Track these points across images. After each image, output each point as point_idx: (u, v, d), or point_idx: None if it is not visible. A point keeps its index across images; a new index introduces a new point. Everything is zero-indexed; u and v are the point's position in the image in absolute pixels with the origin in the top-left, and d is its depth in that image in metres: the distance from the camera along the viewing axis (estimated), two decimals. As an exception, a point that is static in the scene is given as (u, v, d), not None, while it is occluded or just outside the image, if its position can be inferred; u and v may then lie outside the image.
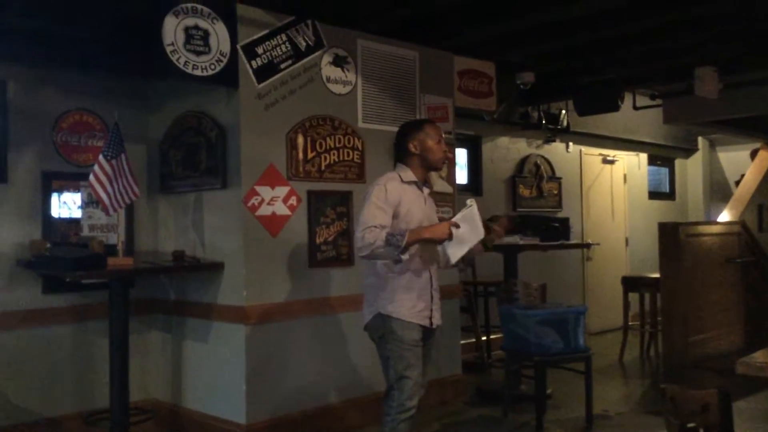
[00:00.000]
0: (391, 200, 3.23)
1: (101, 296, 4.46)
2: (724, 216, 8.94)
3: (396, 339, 3.25)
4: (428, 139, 3.38)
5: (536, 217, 6.96)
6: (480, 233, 3.23)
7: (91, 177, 4.03)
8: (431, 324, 3.37)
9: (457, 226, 3.18)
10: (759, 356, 2.70)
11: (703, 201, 10.61)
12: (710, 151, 10.96)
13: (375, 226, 3.12)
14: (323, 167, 4.71)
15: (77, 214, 4.61)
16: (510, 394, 5.19)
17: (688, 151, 10.58)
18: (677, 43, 5.83)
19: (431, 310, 3.37)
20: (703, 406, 1.89)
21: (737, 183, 9.94)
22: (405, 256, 3.14)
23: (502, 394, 5.22)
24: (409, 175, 3.39)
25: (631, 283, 7.20)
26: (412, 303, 3.29)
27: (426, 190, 3.48)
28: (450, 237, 3.17)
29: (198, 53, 4.08)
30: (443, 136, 3.52)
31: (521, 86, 6.66)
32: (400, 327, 3.26)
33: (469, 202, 3.25)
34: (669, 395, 1.78)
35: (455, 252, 3.30)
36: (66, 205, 4.65)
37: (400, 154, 3.47)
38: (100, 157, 4.06)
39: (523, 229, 5.68)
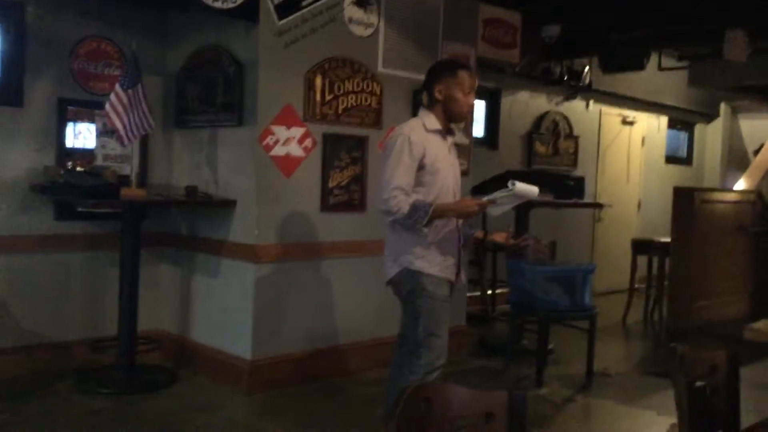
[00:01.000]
0: (416, 153, 3.04)
1: (113, 226, 4.49)
2: (740, 184, 8.85)
3: (427, 295, 3.09)
4: (456, 88, 3.14)
5: (551, 174, 6.91)
6: (529, 196, 3.14)
7: (107, 106, 4.02)
8: (457, 280, 3.24)
9: (490, 202, 3.08)
10: (765, 324, 2.70)
11: (719, 168, 10.49)
12: (731, 118, 10.78)
13: (400, 188, 2.98)
14: (340, 110, 4.66)
15: (92, 143, 4.61)
16: (512, 347, 5.24)
17: (710, 116, 10.42)
18: (708, 3, 5.67)
19: (458, 266, 3.24)
20: (711, 366, 1.90)
21: (756, 152, 9.80)
22: (426, 230, 3.01)
23: (504, 346, 5.27)
24: (433, 122, 3.17)
25: (640, 246, 7.18)
26: (442, 257, 3.13)
27: (450, 139, 3.27)
28: (477, 214, 3.10)
29: (219, -15, 3.99)
30: (475, 87, 3.25)
31: (546, 40, 6.52)
32: (432, 283, 3.10)
33: (510, 185, 3.07)
34: (678, 354, 1.79)
35: (493, 210, 3.21)
36: (81, 134, 4.64)
37: (427, 96, 3.25)
38: (117, 86, 4.03)
39: (538, 186, 5.62)
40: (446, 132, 3.24)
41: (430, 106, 3.23)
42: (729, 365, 1.92)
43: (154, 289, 4.91)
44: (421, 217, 2.97)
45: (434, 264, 3.11)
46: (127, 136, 4.04)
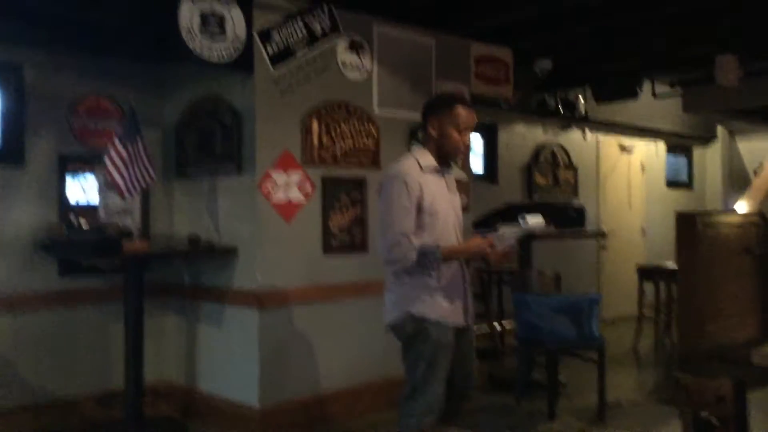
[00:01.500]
0: (413, 195, 2.93)
1: (117, 279, 4.50)
2: (742, 206, 8.83)
3: (430, 342, 2.98)
4: (451, 125, 3.01)
5: (552, 204, 6.92)
6: (536, 229, 3.10)
7: (107, 161, 4.06)
8: (466, 321, 3.14)
9: (497, 241, 3.00)
10: (775, 347, 2.68)
11: (721, 190, 10.49)
12: (729, 140, 10.81)
13: (403, 234, 2.89)
14: (338, 153, 4.70)
15: (94, 198, 4.64)
16: (523, 381, 5.18)
17: (707, 139, 10.46)
18: (698, 30, 5.75)
19: (465, 307, 3.12)
20: (718, 396, 1.88)
21: (755, 172, 9.81)
22: (434, 273, 2.96)
23: (514, 381, 5.21)
24: (428, 160, 3.04)
25: (646, 273, 7.16)
26: (447, 302, 3.02)
27: (449, 175, 3.15)
28: (488, 256, 3.02)
29: (214, 38, 4.08)
30: (473, 125, 3.11)
31: (539, 73, 6.59)
32: (436, 330, 2.99)
33: (520, 220, 3.04)
34: (683, 384, 1.77)
35: (498, 244, 3.10)
36: (82, 189, 4.69)
37: (422, 131, 3.15)
38: (116, 140, 4.08)
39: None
40: (443, 168, 3.12)
41: (425, 142, 3.12)
42: (736, 393, 1.91)
43: (159, 339, 4.90)
44: (430, 263, 2.91)
45: (438, 309, 3.01)
46: (127, 190, 4.07)
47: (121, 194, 4.14)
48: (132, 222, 4.50)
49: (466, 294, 3.14)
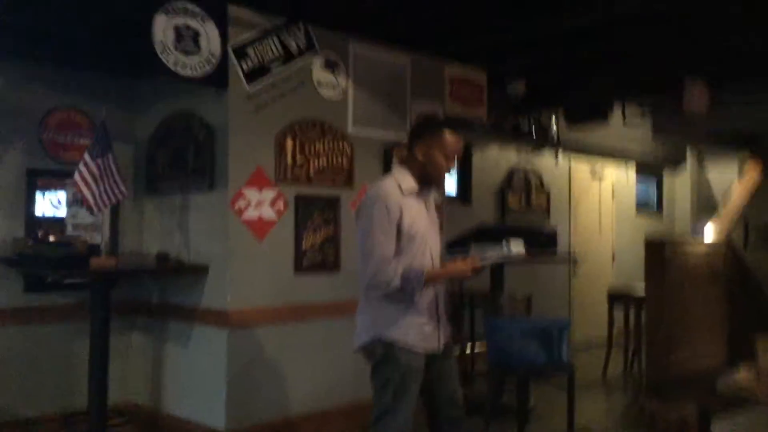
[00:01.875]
0: (393, 218, 2.90)
1: (83, 296, 4.41)
2: (710, 231, 8.97)
3: (399, 368, 2.94)
4: (438, 151, 2.99)
5: (524, 228, 6.95)
6: (518, 256, 3.11)
7: (76, 175, 4.00)
8: (440, 347, 3.08)
9: (483, 265, 3.00)
10: (739, 376, 2.70)
11: (690, 215, 10.65)
12: (698, 165, 11.00)
13: (386, 259, 2.87)
14: (312, 172, 4.68)
15: (62, 212, 4.56)
16: (493, 405, 5.16)
17: (676, 163, 10.62)
18: (668, 56, 5.85)
19: (439, 332, 3.07)
20: (682, 423, 1.88)
21: (724, 197, 9.98)
22: (419, 296, 2.96)
23: (484, 405, 5.19)
24: (409, 182, 3.01)
25: (616, 298, 7.19)
26: (419, 328, 2.99)
27: (428, 197, 3.12)
28: (471, 278, 3.01)
29: (188, 53, 4.05)
30: (460, 151, 3.08)
31: (512, 96, 6.65)
32: (405, 355, 2.95)
33: (504, 246, 3.04)
34: (648, 412, 1.76)
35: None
36: (51, 203, 4.60)
37: (406, 152, 3.11)
38: (86, 155, 4.02)
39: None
40: (424, 190, 3.09)
41: (408, 163, 3.08)
42: (701, 421, 1.91)
43: (125, 359, 4.80)
44: (414, 287, 2.89)
45: (409, 334, 2.97)
46: (96, 205, 4.01)
47: (90, 209, 4.07)
48: (100, 238, 4.42)
49: (440, 319, 3.10)
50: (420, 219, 3.02)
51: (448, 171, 3.08)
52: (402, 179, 3.03)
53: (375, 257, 2.88)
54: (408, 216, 2.95)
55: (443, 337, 3.11)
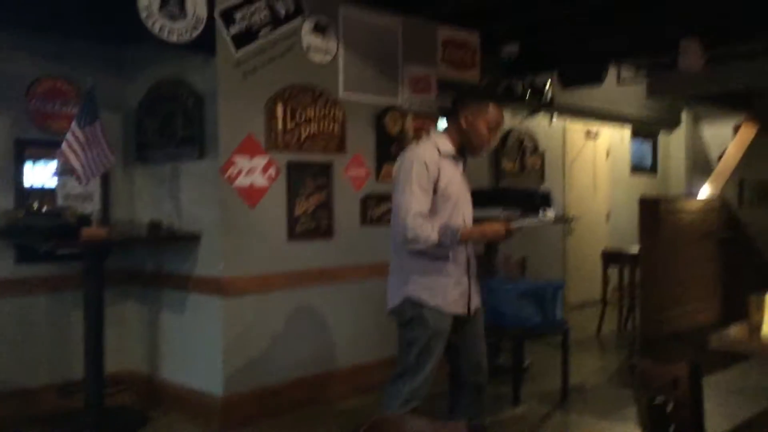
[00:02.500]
0: (432, 176, 2.98)
1: (76, 266, 4.40)
2: (705, 191, 8.98)
3: (426, 328, 3.02)
4: (482, 123, 3.08)
5: (516, 190, 6.94)
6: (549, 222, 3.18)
7: (64, 145, 3.96)
8: (469, 311, 3.17)
9: (518, 226, 3.07)
10: (732, 331, 2.72)
11: (685, 175, 10.65)
12: (694, 126, 10.97)
13: (421, 214, 2.93)
14: (303, 138, 4.65)
15: (52, 183, 4.53)
16: (489, 366, 5.20)
17: (672, 125, 10.58)
18: (663, 14, 5.78)
19: (469, 296, 3.15)
20: (674, 380, 1.89)
21: (719, 158, 9.97)
22: (453, 254, 3.02)
23: (480, 366, 5.24)
24: (447, 146, 3.10)
25: (610, 258, 7.23)
26: (449, 290, 3.06)
27: (461, 164, 3.20)
28: (504, 240, 3.09)
29: (173, 18, 3.97)
30: (501, 126, 3.23)
31: (506, 58, 6.59)
32: (433, 316, 3.03)
33: (549, 214, 3.14)
34: (639, 370, 1.77)
35: None
36: (41, 173, 4.57)
37: (448, 119, 3.19)
38: (73, 124, 3.98)
39: (505, 203, 5.65)
40: (460, 156, 3.18)
41: (448, 131, 3.17)
42: (691, 378, 1.92)
43: (120, 328, 4.82)
44: (449, 243, 2.94)
45: (437, 296, 3.04)
46: (85, 174, 3.98)
47: (79, 179, 4.04)
48: (91, 207, 4.40)
49: (470, 282, 3.17)
50: (455, 181, 3.10)
51: (489, 143, 3.17)
52: (440, 141, 3.11)
53: (413, 212, 2.92)
54: (445, 177, 3.03)
55: (474, 301, 3.18)
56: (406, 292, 3.05)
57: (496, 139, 3.21)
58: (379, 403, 3.23)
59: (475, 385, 3.25)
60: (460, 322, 3.14)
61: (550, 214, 3.10)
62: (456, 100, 3.20)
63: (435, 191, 3.00)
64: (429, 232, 2.91)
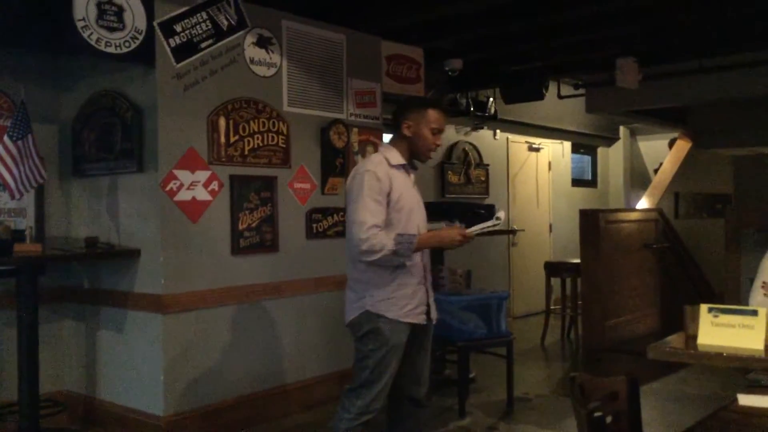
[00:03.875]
0: (384, 188, 2.98)
1: (8, 284, 4.23)
2: (643, 203, 9.26)
3: (382, 341, 3.01)
4: (424, 126, 3.11)
5: (461, 203, 7.02)
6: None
7: (-5, 158, 3.80)
8: (427, 320, 3.17)
9: (472, 232, 3.05)
10: (669, 341, 2.79)
11: (623, 188, 10.96)
12: (631, 140, 11.31)
13: (376, 226, 2.92)
14: (246, 151, 4.59)
15: (-17, 197, 4.36)
16: (434, 378, 5.22)
17: (610, 139, 10.89)
18: (600, 34, 5.96)
19: (428, 305, 3.16)
20: (612, 393, 1.92)
21: (656, 171, 10.31)
22: (410, 262, 3.01)
23: (426, 379, 5.25)
24: (396, 157, 3.12)
25: (553, 269, 7.36)
26: (406, 300, 3.05)
27: (413, 175, 3.22)
28: (460, 246, 3.07)
29: (111, 29, 3.89)
30: (443, 128, 3.21)
31: (449, 73, 6.67)
32: (390, 329, 3.01)
33: (499, 215, 3.10)
34: (577, 383, 1.80)
35: None
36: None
37: (394, 129, 3.21)
38: (5, 137, 3.83)
39: (449, 216, 5.70)
40: (409, 167, 3.19)
41: (394, 141, 3.20)
42: (630, 390, 1.96)
43: (56, 347, 4.65)
44: (406, 251, 2.93)
45: (396, 307, 3.03)
46: (18, 189, 3.83)
47: (12, 194, 3.89)
48: (25, 223, 4.26)
49: (428, 292, 3.17)
50: (407, 192, 3.11)
51: (435, 146, 3.18)
52: (388, 154, 3.13)
53: (366, 224, 2.92)
54: (397, 188, 3.04)
55: (432, 310, 3.19)
56: (364, 305, 3.04)
57: (439, 141, 3.21)
58: (331, 417, 3.19)
59: (414, 399, 3.23)
60: (413, 333, 3.13)
61: (501, 214, 3.10)
62: (396, 111, 3.21)
63: (388, 203, 3.01)
64: (385, 241, 2.91)
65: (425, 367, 3.26)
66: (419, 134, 3.12)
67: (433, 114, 3.14)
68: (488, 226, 3.10)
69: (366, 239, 2.90)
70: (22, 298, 4.07)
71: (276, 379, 4.72)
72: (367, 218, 2.92)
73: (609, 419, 1.72)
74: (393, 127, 3.23)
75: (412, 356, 3.17)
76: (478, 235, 3.09)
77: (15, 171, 3.79)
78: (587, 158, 10.71)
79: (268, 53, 4.72)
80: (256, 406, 4.57)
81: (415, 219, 3.12)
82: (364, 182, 2.99)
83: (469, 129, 8.25)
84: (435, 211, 5.61)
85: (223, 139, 4.45)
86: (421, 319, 3.12)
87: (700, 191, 10.08)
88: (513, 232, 7.87)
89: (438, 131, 3.16)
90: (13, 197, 3.91)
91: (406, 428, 3.23)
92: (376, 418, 3.09)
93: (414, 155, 3.19)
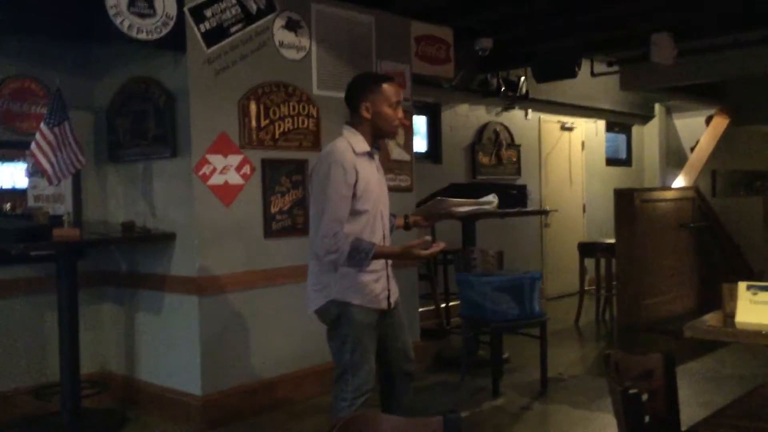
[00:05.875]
0: (350, 180, 2.89)
1: (50, 268, 4.33)
2: (679, 182, 9.09)
3: (354, 325, 2.99)
4: (383, 103, 2.97)
5: (493, 184, 6.96)
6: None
7: (33, 146, 3.90)
8: (389, 305, 3.13)
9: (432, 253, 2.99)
10: (706, 320, 2.75)
11: (659, 167, 10.77)
12: (666, 118, 11.09)
13: (338, 221, 2.85)
14: (277, 135, 4.62)
15: (22, 184, 4.46)
16: (467, 359, 5.23)
17: (645, 117, 10.69)
18: (634, 8, 5.83)
19: (389, 291, 3.12)
20: (647, 371, 1.91)
21: (692, 149, 10.10)
22: (367, 267, 2.95)
23: (459, 360, 5.26)
24: (360, 143, 2.99)
25: (586, 249, 7.29)
26: (370, 287, 3.01)
27: (377, 158, 3.12)
28: (417, 257, 3.01)
29: (143, 16, 3.93)
30: (402, 98, 3.10)
31: (480, 53, 6.60)
32: (359, 313, 2.99)
33: (490, 199, 3.11)
34: (613, 360, 1.78)
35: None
36: (10, 174, 4.49)
37: (350, 113, 3.06)
38: (42, 124, 3.91)
39: (481, 197, 5.66)
40: (373, 150, 3.09)
41: (356, 125, 3.04)
42: (666, 367, 1.94)
43: (96, 330, 4.76)
44: (362, 260, 2.88)
45: (362, 294, 3.00)
46: (56, 175, 3.92)
47: (50, 180, 3.98)
48: (63, 208, 4.35)
49: (389, 276, 3.14)
50: (373, 181, 3.02)
51: (398, 122, 3.07)
52: (353, 140, 3.00)
53: (328, 219, 2.86)
54: (363, 178, 2.94)
55: (393, 294, 3.15)
56: (330, 294, 3.00)
57: (402, 114, 3.10)
58: (328, 408, 3.21)
59: (406, 373, 3.24)
60: (381, 316, 3.12)
61: (491, 198, 3.09)
62: (348, 95, 3.06)
63: (355, 194, 2.91)
64: (341, 245, 2.84)
65: (408, 343, 3.24)
66: (380, 113, 2.99)
67: (388, 88, 3.00)
68: (475, 210, 3.09)
69: (324, 238, 2.85)
70: (62, 282, 4.17)
71: (310, 360, 4.77)
72: (329, 214, 2.85)
73: (645, 397, 1.71)
74: (352, 110, 3.06)
75: (391, 335, 3.17)
76: (465, 216, 3.09)
77: (53, 157, 3.87)
78: (622, 137, 10.54)
79: (297, 36, 4.73)
80: (290, 386, 4.64)
81: (379, 207, 3.06)
82: (330, 175, 2.88)
83: (500, 109, 8.17)
84: (466, 193, 5.58)
85: (254, 124, 4.48)
86: (384, 305, 3.09)
87: (738, 169, 9.86)
88: (545, 212, 7.79)
89: (398, 104, 3.03)
90: (51, 183, 4.01)
91: (403, 404, 3.24)
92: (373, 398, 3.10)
93: (378, 135, 3.07)
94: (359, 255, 2.86)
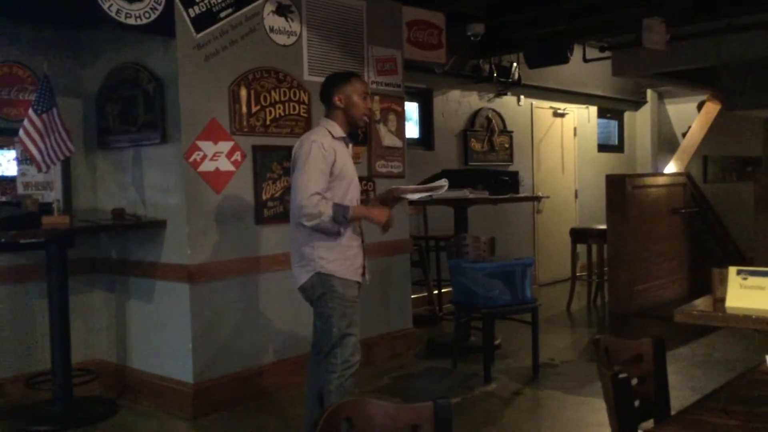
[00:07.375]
0: (329, 158, 3.22)
1: (40, 256, 4.31)
2: (671, 167, 9.11)
3: (338, 297, 3.26)
4: (354, 94, 3.37)
5: (485, 170, 6.96)
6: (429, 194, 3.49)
7: (21, 132, 3.86)
8: (364, 279, 3.43)
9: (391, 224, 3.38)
10: (696, 304, 2.75)
11: (651, 153, 10.78)
12: (658, 104, 11.09)
13: (318, 193, 3.14)
14: (268, 121, 4.59)
15: (11, 171, 4.42)
16: (459, 345, 5.25)
17: (637, 103, 10.70)
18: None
19: (364, 267, 3.42)
20: (637, 355, 1.91)
21: (684, 135, 10.11)
22: (344, 230, 3.25)
23: (452, 346, 5.27)
24: (337, 130, 3.36)
25: (578, 235, 7.30)
26: (350, 261, 3.31)
27: (351, 146, 3.50)
28: (384, 226, 3.36)
29: (130, 0, 3.88)
30: (370, 92, 3.50)
31: (472, 38, 6.57)
32: (342, 285, 3.27)
33: (440, 183, 3.42)
34: (603, 345, 1.78)
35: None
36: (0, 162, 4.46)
37: (326, 107, 3.45)
38: (30, 111, 3.88)
39: (473, 183, 5.67)
40: (348, 138, 3.44)
41: (331, 115, 3.40)
42: (656, 352, 1.94)
43: (87, 317, 4.74)
44: (342, 219, 3.17)
45: (343, 267, 3.27)
46: (44, 162, 3.88)
47: (38, 167, 3.95)
48: (53, 195, 4.31)
49: (364, 255, 3.42)
50: (348, 163, 3.37)
51: (367, 110, 3.47)
52: (330, 127, 3.36)
53: (308, 190, 3.13)
54: (340, 160, 3.28)
55: (366, 268, 3.45)
56: (315, 268, 3.25)
57: (371, 106, 3.60)
58: (320, 384, 3.34)
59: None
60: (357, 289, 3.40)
61: (443, 182, 3.41)
62: (323, 91, 3.43)
63: (331, 173, 3.23)
64: (325, 209, 3.13)
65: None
66: (351, 102, 3.36)
67: (357, 81, 3.41)
68: (427, 195, 3.44)
69: (308, 206, 3.12)
70: (52, 270, 4.15)
71: (302, 347, 4.76)
72: (311, 186, 3.14)
73: (634, 381, 1.71)
74: (326, 102, 3.42)
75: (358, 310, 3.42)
76: (415, 201, 3.35)
77: (41, 144, 3.83)
78: (614, 123, 10.53)
79: (287, 21, 4.69)
80: (282, 373, 4.63)
81: (353, 188, 3.37)
82: (310, 152, 3.19)
83: (492, 95, 8.15)
84: (458, 179, 5.59)
85: (244, 110, 4.45)
86: (360, 278, 3.38)
87: (730, 154, 9.88)
88: (537, 198, 7.80)
89: (366, 95, 3.42)
90: (39, 170, 3.97)
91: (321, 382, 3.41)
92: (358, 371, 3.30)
93: (350, 125, 3.42)
94: (339, 216, 3.15)
